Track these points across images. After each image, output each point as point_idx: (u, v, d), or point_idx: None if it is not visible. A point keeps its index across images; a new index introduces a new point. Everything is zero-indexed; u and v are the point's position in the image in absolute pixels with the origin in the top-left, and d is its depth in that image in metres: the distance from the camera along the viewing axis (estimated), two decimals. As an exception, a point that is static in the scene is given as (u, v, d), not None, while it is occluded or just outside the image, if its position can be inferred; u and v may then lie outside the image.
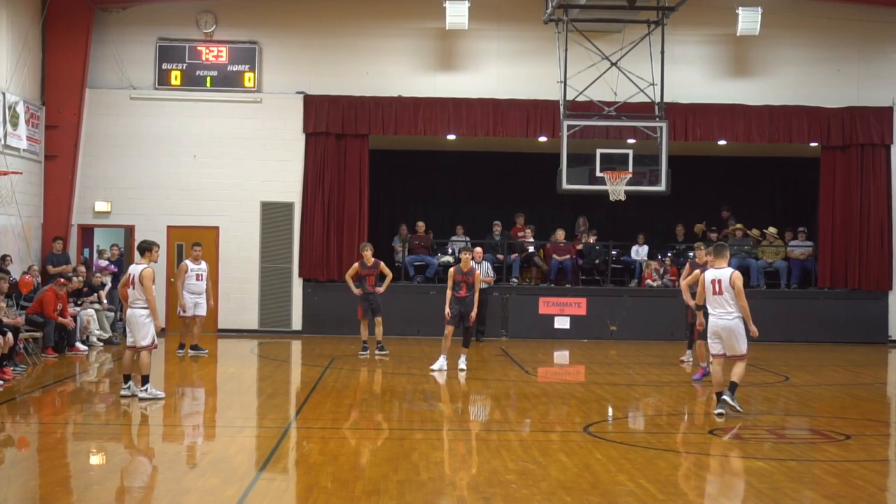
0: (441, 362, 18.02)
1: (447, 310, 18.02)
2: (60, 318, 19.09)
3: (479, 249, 24.00)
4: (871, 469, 10.75)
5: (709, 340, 13.72)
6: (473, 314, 18.04)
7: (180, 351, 20.04)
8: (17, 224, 22.18)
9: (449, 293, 18.05)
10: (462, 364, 18.04)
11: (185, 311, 19.97)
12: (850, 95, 25.56)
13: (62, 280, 19.67)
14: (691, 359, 19.20)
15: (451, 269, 18.31)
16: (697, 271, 16.24)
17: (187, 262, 20.24)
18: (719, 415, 13.27)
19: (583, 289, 25.46)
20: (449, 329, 18.00)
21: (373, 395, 15.67)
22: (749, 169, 28.25)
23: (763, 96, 25.45)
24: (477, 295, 18.10)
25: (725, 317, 13.34)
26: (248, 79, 24.87)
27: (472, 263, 18.37)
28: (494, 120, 25.05)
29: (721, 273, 13.45)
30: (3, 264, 20.65)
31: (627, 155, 22.01)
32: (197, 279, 20.03)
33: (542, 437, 12.46)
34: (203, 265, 20.27)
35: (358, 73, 25.08)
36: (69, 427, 12.80)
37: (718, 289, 13.34)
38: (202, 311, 20.14)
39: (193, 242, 21.03)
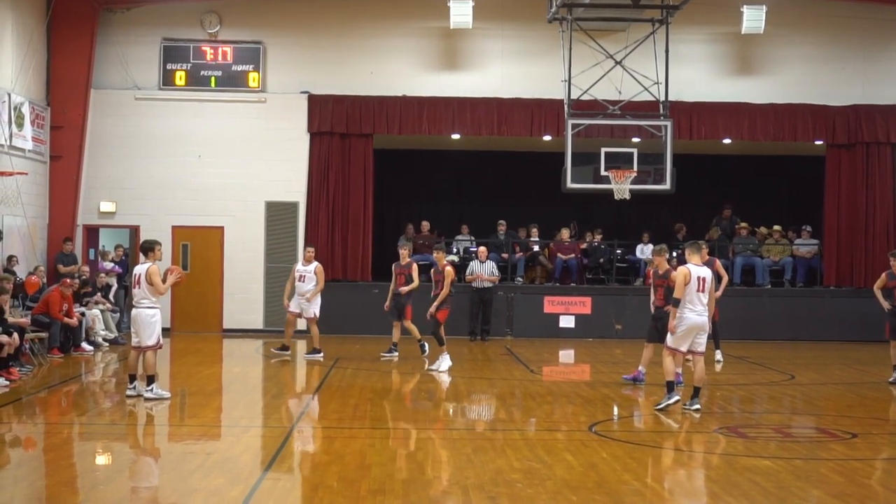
0: (440, 362, 18.08)
1: (431, 309, 18.22)
2: (66, 319, 19.09)
3: (483, 249, 24.06)
4: (878, 467, 10.74)
5: (683, 336, 13.74)
6: (432, 309, 18.09)
7: (285, 352, 19.89)
8: (22, 224, 22.19)
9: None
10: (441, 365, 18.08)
11: (291, 310, 19.96)
12: (855, 93, 25.53)
13: (68, 280, 19.67)
14: (722, 358, 19.29)
15: (433, 269, 18.51)
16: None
17: (299, 263, 20.29)
18: (697, 410, 13.56)
19: (588, 288, 25.45)
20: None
21: (378, 395, 15.66)
22: (754, 167, 28.22)
23: (768, 95, 25.43)
24: (446, 290, 18.13)
25: (704, 313, 13.70)
26: (253, 79, 24.88)
27: (444, 261, 18.57)
28: (499, 119, 25.05)
29: (704, 271, 13.75)
30: (9, 265, 20.69)
31: (632, 154, 21.99)
32: (300, 280, 19.82)
33: (547, 436, 12.45)
34: (310, 267, 19.84)
35: (362, 72, 25.08)
36: (75, 427, 12.81)
37: (702, 286, 13.61)
38: (309, 313, 19.81)
39: (307, 244, 20.93)
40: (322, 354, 19.64)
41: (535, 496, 9.18)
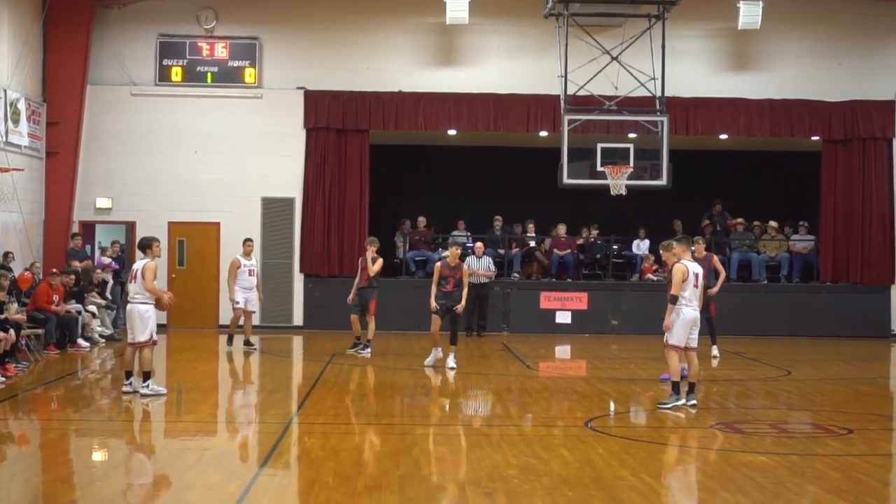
0: (435, 355, 17.95)
1: (433, 302, 17.76)
2: (54, 307, 19.03)
3: (479, 244, 24.02)
4: (874, 463, 10.74)
5: (683, 332, 13.74)
6: (460, 307, 17.69)
7: (230, 345, 20.29)
8: (18, 221, 22.17)
9: (434, 287, 17.88)
10: (451, 362, 17.73)
11: (237, 305, 20.18)
12: (851, 89, 25.52)
13: (55, 270, 19.69)
14: (719, 354, 19.27)
15: (438, 263, 18.18)
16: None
17: (239, 257, 20.34)
18: (693, 406, 13.58)
19: (584, 283, 25.45)
20: (436, 322, 17.81)
21: (373, 391, 15.67)
22: (750, 163, 28.20)
23: (764, 90, 25.43)
24: (465, 290, 17.78)
25: (698, 308, 13.82)
26: (249, 74, 24.87)
27: (457, 258, 18.11)
28: (495, 115, 25.03)
29: (697, 266, 13.93)
30: (6, 261, 20.66)
31: (628, 149, 22.03)
32: (249, 274, 20.28)
33: (543, 431, 12.46)
34: (253, 260, 20.53)
35: (358, 68, 25.06)
36: (71, 423, 12.80)
37: (696, 282, 13.70)
38: (253, 307, 20.49)
39: (245, 238, 21.04)
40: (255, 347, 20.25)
41: (531, 492, 9.18)
